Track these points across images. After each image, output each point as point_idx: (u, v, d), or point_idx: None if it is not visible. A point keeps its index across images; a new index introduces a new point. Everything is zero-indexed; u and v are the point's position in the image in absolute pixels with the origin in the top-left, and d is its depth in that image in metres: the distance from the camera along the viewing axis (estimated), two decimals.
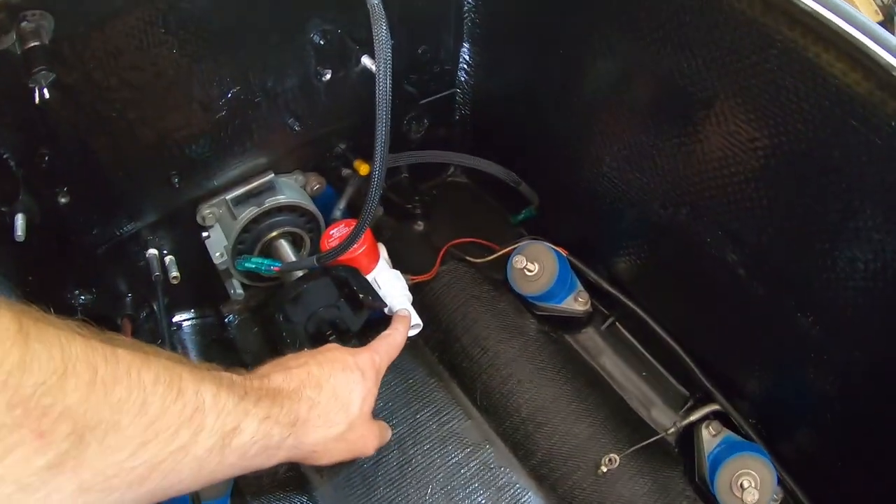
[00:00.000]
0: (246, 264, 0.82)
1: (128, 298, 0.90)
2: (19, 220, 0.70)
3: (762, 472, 0.79)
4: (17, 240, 0.70)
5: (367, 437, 0.69)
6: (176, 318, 0.95)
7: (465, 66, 0.97)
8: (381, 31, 0.68)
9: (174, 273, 0.86)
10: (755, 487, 0.77)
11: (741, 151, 0.69)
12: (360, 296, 0.80)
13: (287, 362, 0.64)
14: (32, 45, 0.59)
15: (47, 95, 0.59)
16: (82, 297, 0.85)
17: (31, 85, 0.58)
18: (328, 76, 0.85)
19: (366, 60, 0.83)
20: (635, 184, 0.85)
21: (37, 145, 0.71)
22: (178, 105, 0.77)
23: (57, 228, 0.78)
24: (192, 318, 0.96)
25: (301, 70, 0.83)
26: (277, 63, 0.81)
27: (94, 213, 0.80)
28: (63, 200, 0.76)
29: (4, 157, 0.70)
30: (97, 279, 0.86)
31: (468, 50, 0.96)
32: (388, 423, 0.89)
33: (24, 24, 0.59)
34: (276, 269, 0.82)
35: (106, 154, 0.76)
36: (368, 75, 0.83)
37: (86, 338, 0.42)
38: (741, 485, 0.78)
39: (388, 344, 0.75)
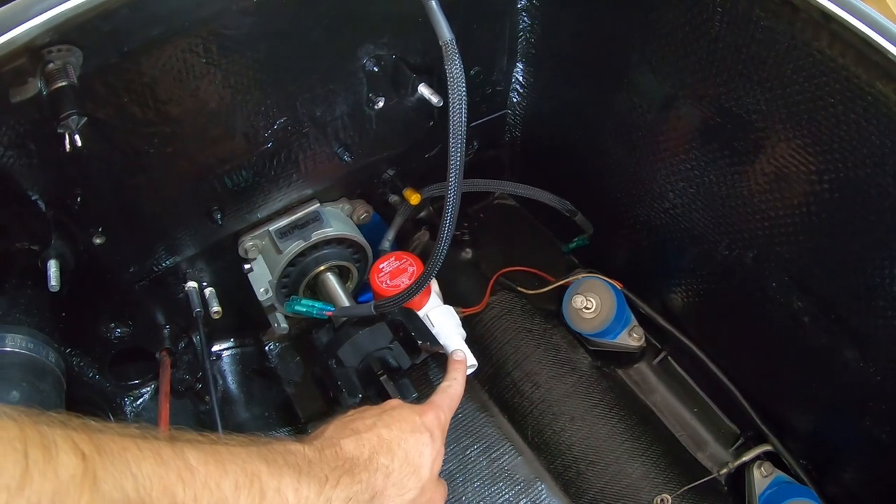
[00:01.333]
0: (296, 307, 0.79)
1: (166, 330, 0.87)
2: (52, 267, 0.66)
3: None
4: (52, 290, 0.66)
5: (435, 499, 0.67)
6: (215, 348, 0.92)
7: (518, 88, 0.92)
8: (455, 70, 0.63)
9: (215, 308, 0.83)
10: None
11: (819, 200, 0.66)
12: (419, 342, 0.77)
13: (353, 424, 0.60)
14: (59, 85, 0.51)
15: (79, 143, 0.52)
16: (118, 331, 0.82)
17: (59, 131, 0.52)
18: (381, 104, 0.80)
19: (423, 90, 0.78)
20: (700, 223, 0.81)
21: (68, 186, 0.66)
22: (221, 138, 0.72)
23: (92, 270, 0.74)
24: (232, 348, 0.93)
25: (352, 98, 0.78)
26: (327, 91, 0.76)
27: (132, 251, 0.77)
28: (98, 241, 0.72)
29: (34, 199, 0.65)
30: (134, 313, 0.83)
31: (521, 70, 0.90)
32: None
33: (49, 65, 0.51)
34: (329, 314, 0.79)
35: (143, 191, 0.72)
36: (423, 102, 0.79)
37: (154, 450, 0.39)
38: None
39: (450, 397, 0.72)
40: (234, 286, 0.87)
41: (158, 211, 0.75)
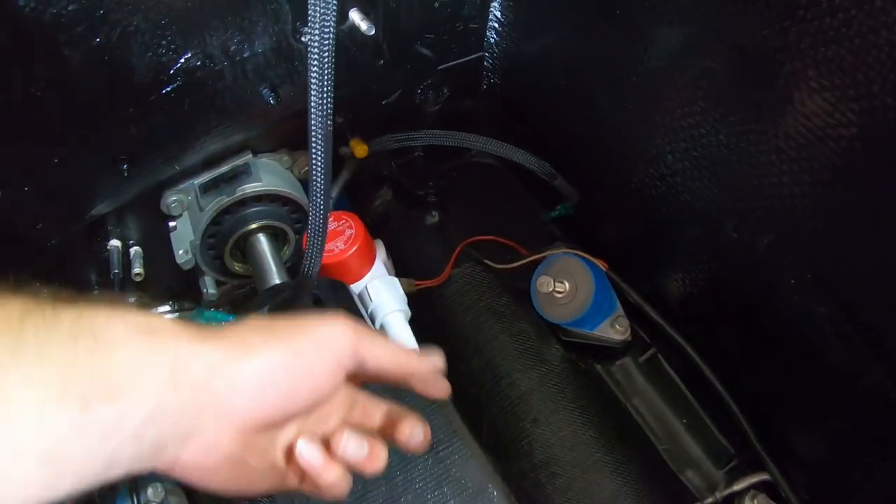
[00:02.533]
0: (197, 320, 0.69)
1: (95, 292, 0.79)
2: None
3: None
4: None
5: None
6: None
7: (496, 25, 0.76)
8: None
9: (137, 269, 0.74)
10: None
11: (858, 175, 0.50)
12: None
13: None
14: None
15: None
16: (45, 292, 0.74)
17: None
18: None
19: (353, 15, 0.64)
20: (703, 194, 0.65)
21: None
22: (114, 77, 0.61)
23: None
24: (172, 312, 0.84)
25: (275, 28, 0.66)
26: (241, 20, 0.63)
27: (34, 206, 0.67)
28: None
29: None
30: (57, 272, 0.75)
31: (500, 5, 0.75)
32: None
33: None
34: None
35: (35, 136, 0.62)
36: (363, 36, 0.65)
37: None
38: None
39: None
40: (165, 245, 0.78)
41: (56, 160, 0.65)
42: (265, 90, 0.70)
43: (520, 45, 0.77)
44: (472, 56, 0.79)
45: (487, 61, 0.80)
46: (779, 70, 0.52)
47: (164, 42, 0.61)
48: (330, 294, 0.68)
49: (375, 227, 0.76)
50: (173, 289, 0.86)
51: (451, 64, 0.79)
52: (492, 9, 0.76)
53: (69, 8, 0.54)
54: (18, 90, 0.58)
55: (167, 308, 0.86)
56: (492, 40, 0.78)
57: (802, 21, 0.48)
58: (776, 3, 0.50)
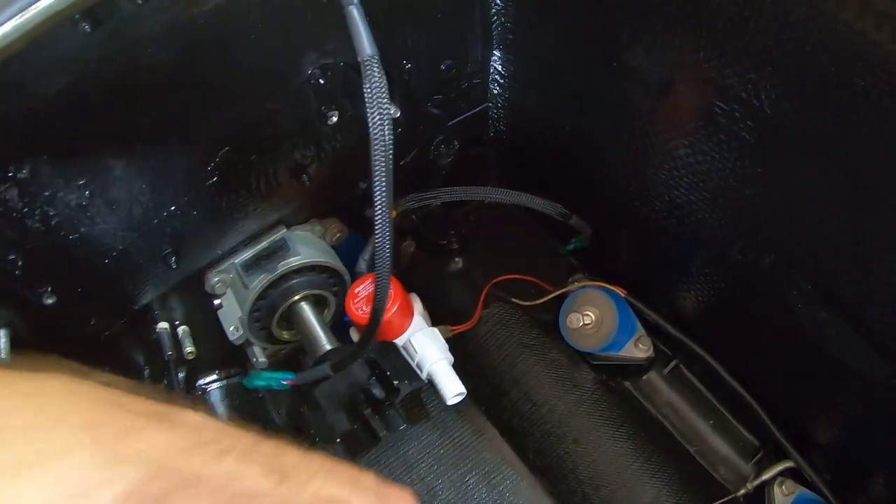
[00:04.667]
0: (256, 382, 0.74)
1: (146, 372, 0.83)
2: (2, 337, 0.62)
3: None
4: (1, 361, 0.62)
5: None
6: (200, 382, 0.88)
7: (498, 78, 0.81)
8: (374, 87, 0.53)
9: (188, 349, 0.78)
10: None
11: (843, 199, 0.56)
12: (395, 382, 0.71)
13: None
14: None
15: None
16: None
17: None
18: (335, 118, 0.71)
19: None
20: (709, 223, 0.71)
21: (7, 248, 0.61)
22: (159, 179, 0.65)
23: (50, 329, 0.69)
24: (218, 380, 0.89)
25: (301, 115, 0.70)
26: (270, 112, 0.68)
27: (88, 305, 0.71)
28: (49, 301, 0.67)
29: None
30: (107, 362, 0.79)
31: (500, 59, 0.80)
32: (434, 486, 0.84)
33: None
34: (288, 382, 0.73)
35: (87, 243, 0.66)
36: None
37: None
38: None
39: None
40: (211, 320, 0.82)
41: (107, 262, 0.69)
42: (297, 172, 0.74)
43: (521, 94, 0.82)
44: (478, 108, 0.84)
45: (492, 111, 0.85)
46: (763, 112, 0.57)
47: (202, 139, 0.65)
48: (380, 354, 0.73)
49: (403, 280, 0.80)
50: (219, 358, 0.90)
51: (459, 118, 0.84)
52: (492, 63, 0.81)
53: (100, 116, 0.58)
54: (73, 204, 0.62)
55: (214, 376, 0.91)
56: (495, 91, 0.83)
57: (785, 70, 0.53)
58: (761, 54, 0.54)
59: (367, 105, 0.53)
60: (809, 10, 0.48)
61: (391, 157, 0.55)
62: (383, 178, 0.54)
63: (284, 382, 0.73)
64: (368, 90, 0.53)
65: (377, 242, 0.57)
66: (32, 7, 0.44)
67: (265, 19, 0.60)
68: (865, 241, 0.58)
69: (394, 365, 0.72)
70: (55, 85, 0.53)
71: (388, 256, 0.58)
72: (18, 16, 0.43)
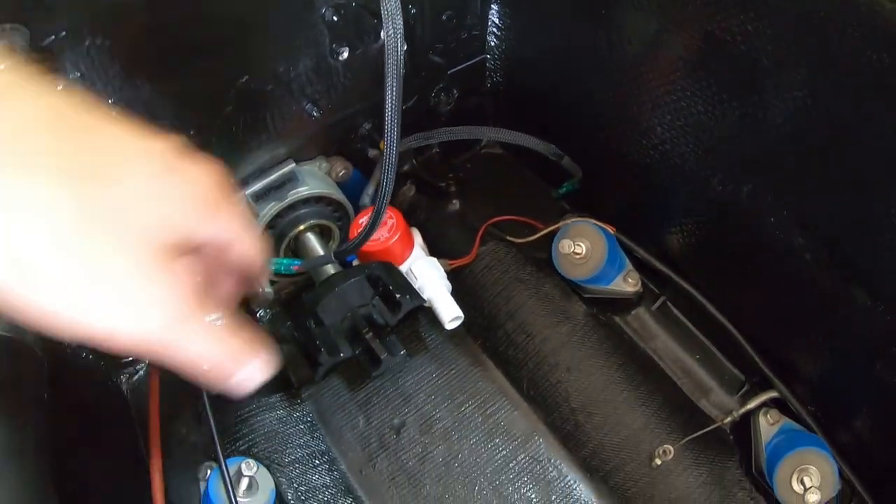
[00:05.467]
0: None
1: None
2: None
3: (824, 468, 0.74)
4: None
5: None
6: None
7: (495, 30, 0.88)
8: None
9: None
10: (817, 487, 0.73)
11: (812, 126, 0.61)
12: (397, 296, 0.75)
13: None
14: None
15: None
16: None
17: None
18: (345, 55, 0.77)
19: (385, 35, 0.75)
20: (691, 157, 0.77)
21: None
22: (180, 105, 0.70)
23: None
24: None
25: (314, 51, 0.75)
26: (287, 46, 0.73)
27: None
28: None
29: None
30: None
31: (497, 12, 0.86)
32: (431, 415, 0.87)
33: None
34: (295, 267, 0.78)
35: None
36: None
37: None
38: (802, 482, 0.74)
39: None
40: None
41: None
42: (308, 105, 0.79)
43: (517, 45, 0.88)
44: (476, 59, 0.90)
45: (490, 62, 0.91)
46: (738, 50, 0.63)
47: (225, 65, 0.70)
48: (383, 270, 0.77)
49: (405, 219, 0.85)
50: None
51: (458, 68, 0.90)
52: (490, 16, 0.87)
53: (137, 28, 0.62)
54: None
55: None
56: (492, 43, 0.89)
57: (755, 9, 0.59)
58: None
59: (385, 22, 0.59)
60: None
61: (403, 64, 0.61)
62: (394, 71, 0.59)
63: (293, 268, 0.77)
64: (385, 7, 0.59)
65: (387, 116, 0.63)
66: None
67: None
68: (833, 168, 0.63)
69: (397, 280, 0.76)
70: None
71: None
72: None
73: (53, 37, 0.57)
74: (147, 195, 0.34)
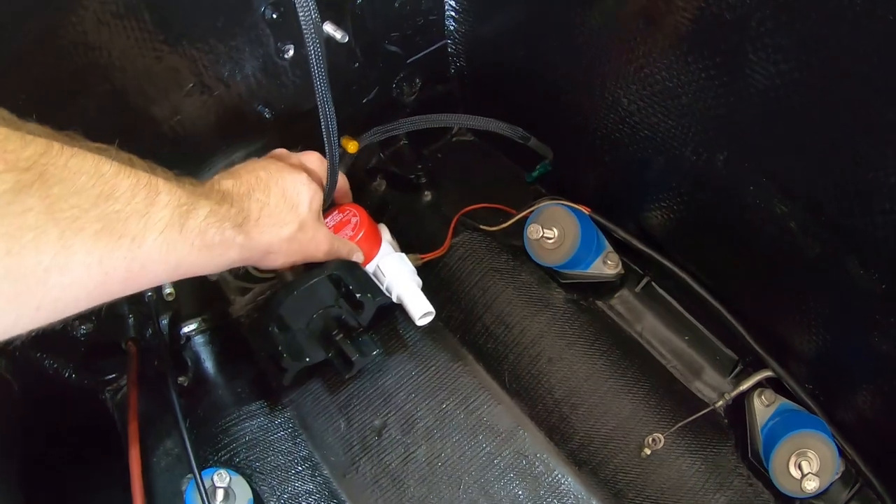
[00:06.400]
0: None
1: (130, 320, 0.86)
2: None
3: (823, 452, 0.69)
4: None
5: (319, 239, 0.69)
6: (185, 330, 0.91)
7: (453, 14, 0.84)
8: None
9: (168, 290, 0.82)
10: (815, 473, 0.68)
11: (785, 82, 0.57)
12: (358, 295, 0.73)
13: (234, 169, 0.64)
14: None
15: None
16: (83, 328, 0.82)
17: None
18: (291, 52, 0.75)
19: (328, 28, 0.72)
20: (661, 128, 0.73)
21: None
22: (126, 118, 0.70)
23: None
24: (201, 326, 0.92)
25: (259, 51, 0.74)
26: (230, 48, 0.72)
27: None
28: None
29: None
30: (95, 309, 0.83)
31: None
32: (412, 414, 0.85)
33: None
34: None
35: None
36: (338, 44, 0.73)
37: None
38: (800, 466, 0.69)
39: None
40: None
41: None
42: (259, 106, 0.78)
43: (478, 27, 0.85)
44: (437, 45, 0.87)
45: (451, 47, 0.88)
46: (706, 8, 0.59)
47: (166, 74, 0.69)
48: (344, 270, 0.75)
49: (376, 215, 0.83)
50: (199, 305, 0.93)
51: (418, 56, 0.87)
52: None
53: (75, 62, 0.62)
54: None
55: (196, 324, 0.94)
56: (451, 27, 0.86)
57: None
58: None
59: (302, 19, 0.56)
60: None
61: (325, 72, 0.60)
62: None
63: None
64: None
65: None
66: None
67: None
68: (809, 129, 0.59)
69: (358, 281, 0.74)
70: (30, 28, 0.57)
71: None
72: None
73: None
74: (305, 197, 0.65)
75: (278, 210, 0.62)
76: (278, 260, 0.64)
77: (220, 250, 0.54)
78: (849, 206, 0.60)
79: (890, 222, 0.57)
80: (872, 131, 0.54)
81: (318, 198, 0.68)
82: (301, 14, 0.56)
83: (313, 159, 0.71)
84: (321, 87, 0.61)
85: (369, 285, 0.75)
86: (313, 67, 0.58)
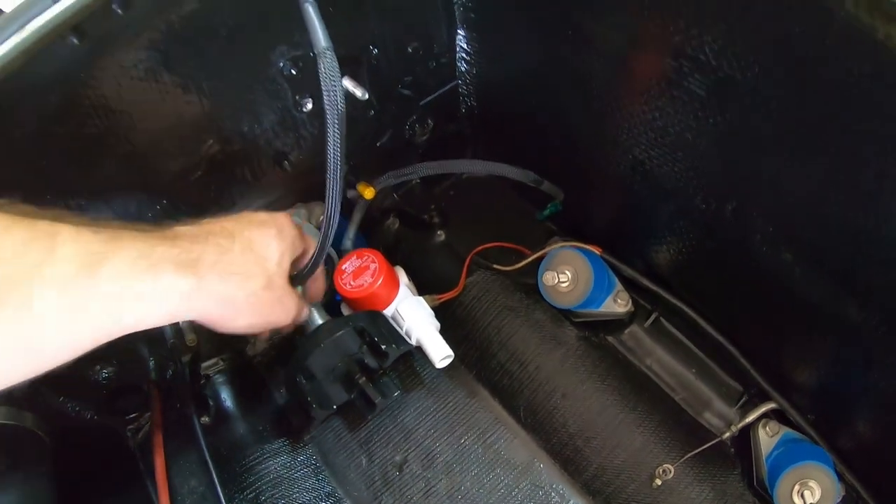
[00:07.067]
0: None
1: (150, 363, 0.88)
2: None
3: (825, 483, 0.74)
4: None
5: (286, 302, 0.62)
6: (204, 370, 0.93)
7: (465, 56, 0.85)
8: (330, 81, 0.57)
9: (189, 336, 0.83)
10: (816, 502, 0.73)
11: (791, 143, 0.60)
12: (383, 347, 0.75)
13: (201, 222, 0.57)
14: None
15: None
16: (104, 372, 0.83)
17: None
18: (309, 105, 0.76)
19: (347, 84, 0.73)
20: (672, 176, 0.75)
21: None
22: (148, 176, 0.70)
23: None
24: (220, 366, 0.94)
25: (278, 105, 0.75)
26: (248, 104, 0.72)
27: None
28: None
29: None
30: (116, 353, 0.84)
31: (464, 37, 0.84)
32: (432, 449, 0.88)
33: None
34: None
35: None
36: (354, 96, 0.74)
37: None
38: (803, 496, 0.74)
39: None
40: None
41: None
42: (278, 158, 0.79)
43: (488, 68, 0.86)
44: (448, 86, 0.88)
45: (462, 88, 0.89)
46: (709, 65, 0.61)
47: (187, 132, 0.70)
48: (368, 322, 0.77)
49: (389, 255, 0.84)
50: (218, 346, 0.95)
51: (430, 97, 0.88)
52: (458, 42, 0.85)
53: (97, 126, 0.62)
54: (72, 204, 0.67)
55: (214, 365, 0.96)
56: (462, 69, 0.87)
57: (725, 21, 0.57)
58: (699, 10, 0.58)
59: (324, 91, 0.57)
60: None
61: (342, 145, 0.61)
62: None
63: None
64: (324, 78, 0.57)
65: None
66: (28, 26, 0.49)
67: (235, 18, 0.65)
68: (813, 181, 0.62)
69: (381, 331, 0.76)
70: (52, 98, 0.58)
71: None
72: (17, 34, 0.48)
73: None
74: (275, 252, 0.59)
75: (244, 260, 0.55)
76: (238, 320, 0.57)
77: (156, 300, 0.46)
78: (849, 256, 0.64)
79: (887, 272, 0.60)
80: (871, 189, 0.57)
81: (288, 258, 0.61)
82: (328, 110, 0.57)
83: (283, 219, 0.63)
84: (333, 164, 0.62)
85: (393, 335, 0.77)
86: (329, 156, 0.60)
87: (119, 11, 0.55)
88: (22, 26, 0.50)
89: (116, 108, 0.63)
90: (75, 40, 0.54)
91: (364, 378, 0.80)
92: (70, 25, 0.52)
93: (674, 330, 0.89)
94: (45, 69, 0.54)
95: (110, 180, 0.68)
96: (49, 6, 0.49)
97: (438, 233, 0.95)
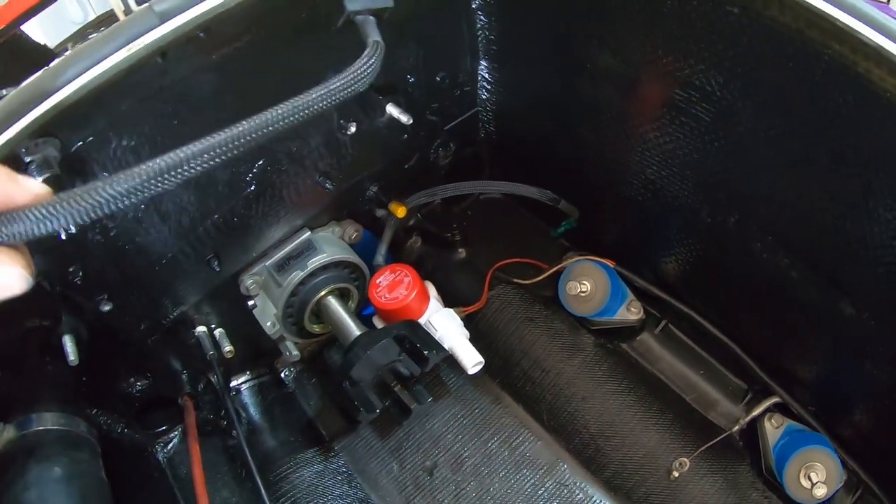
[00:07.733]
0: None
1: (184, 375, 0.90)
2: (68, 342, 0.70)
3: (828, 464, 0.82)
4: (72, 364, 0.69)
5: None
6: (234, 383, 0.96)
7: (486, 85, 0.93)
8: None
9: (227, 348, 0.86)
10: (823, 481, 0.80)
11: (787, 162, 0.68)
12: (425, 352, 0.80)
13: None
14: (45, 177, 0.53)
15: (73, 230, 0.56)
16: (139, 384, 0.85)
17: None
18: (353, 129, 0.82)
19: (391, 110, 0.79)
20: (680, 194, 0.83)
21: (68, 262, 0.69)
22: (205, 191, 0.74)
23: (106, 334, 0.77)
24: (249, 380, 0.97)
25: (325, 128, 0.80)
26: (299, 127, 0.77)
27: (139, 310, 0.79)
28: (106, 308, 0.75)
29: (38, 280, 0.68)
30: (151, 365, 0.86)
31: (486, 68, 0.91)
32: (460, 454, 0.92)
33: (30, 163, 0.54)
34: None
35: (140, 253, 0.74)
36: (394, 120, 0.80)
37: None
38: (809, 477, 0.81)
39: None
40: (242, 322, 0.90)
41: (158, 269, 0.77)
42: (320, 178, 0.83)
43: (507, 97, 0.94)
44: (469, 113, 0.95)
45: (482, 114, 0.96)
46: (714, 96, 0.69)
47: (243, 154, 0.74)
48: (408, 329, 0.82)
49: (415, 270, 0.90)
50: (249, 360, 0.98)
51: (453, 123, 0.95)
52: (480, 71, 0.92)
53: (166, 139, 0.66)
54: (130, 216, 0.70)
55: (246, 377, 0.98)
56: (483, 97, 0.95)
57: (729, 58, 0.64)
58: (707, 48, 0.66)
59: None
60: (741, 9, 0.60)
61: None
62: None
63: None
64: None
65: None
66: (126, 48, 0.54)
67: (292, 47, 0.70)
68: (806, 195, 0.70)
69: (422, 338, 0.81)
70: (126, 106, 0.62)
71: None
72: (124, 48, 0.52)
73: (81, 143, 0.61)
74: None
75: None
76: None
77: None
78: (842, 261, 0.71)
79: (877, 274, 0.68)
80: (856, 201, 0.65)
81: None
82: None
83: None
84: None
85: (432, 342, 0.82)
86: None
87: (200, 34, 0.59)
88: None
89: (179, 121, 0.67)
90: (159, 59, 0.58)
91: (399, 385, 0.84)
92: (162, 49, 0.56)
93: (682, 335, 0.96)
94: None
95: (162, 195, 0.71)
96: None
97: (460, 250, 1.01)
